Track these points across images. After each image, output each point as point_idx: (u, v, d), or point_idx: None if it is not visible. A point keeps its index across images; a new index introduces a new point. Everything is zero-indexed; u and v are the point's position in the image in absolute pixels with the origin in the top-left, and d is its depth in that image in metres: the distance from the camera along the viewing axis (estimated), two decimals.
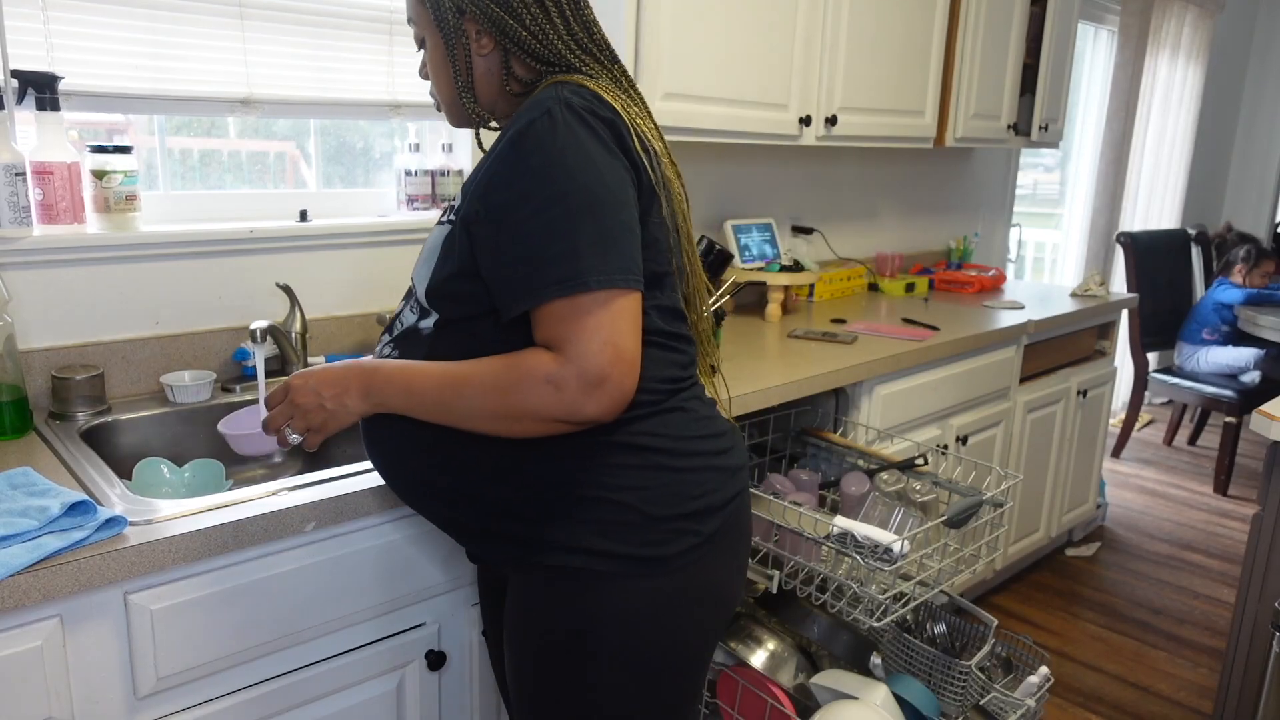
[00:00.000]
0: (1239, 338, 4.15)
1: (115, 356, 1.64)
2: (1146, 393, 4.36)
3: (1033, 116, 3.15)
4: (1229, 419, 4.00)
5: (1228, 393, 4.00)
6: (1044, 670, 1.64)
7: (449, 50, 1.13)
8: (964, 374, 2.47)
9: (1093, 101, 4.56)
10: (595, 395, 0.97)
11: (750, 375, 1.93)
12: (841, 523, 1.50)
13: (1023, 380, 2.78)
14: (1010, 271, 4.17)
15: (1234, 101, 5.57)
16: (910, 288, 3.15)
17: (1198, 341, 4.24)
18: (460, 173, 2.05)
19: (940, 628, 1.69)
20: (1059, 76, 3.24)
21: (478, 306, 1.07)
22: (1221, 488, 4.05)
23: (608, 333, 0.97)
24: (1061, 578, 3.21)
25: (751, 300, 2.72)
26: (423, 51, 1.19)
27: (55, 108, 1.52)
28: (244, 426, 1.44)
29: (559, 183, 0.99)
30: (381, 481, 1.25)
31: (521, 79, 1.13)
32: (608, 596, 1.07)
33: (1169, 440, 4.69)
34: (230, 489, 1.50)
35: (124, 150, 1.60)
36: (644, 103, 1.17)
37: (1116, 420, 4.66)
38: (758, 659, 1.64)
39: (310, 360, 1.81)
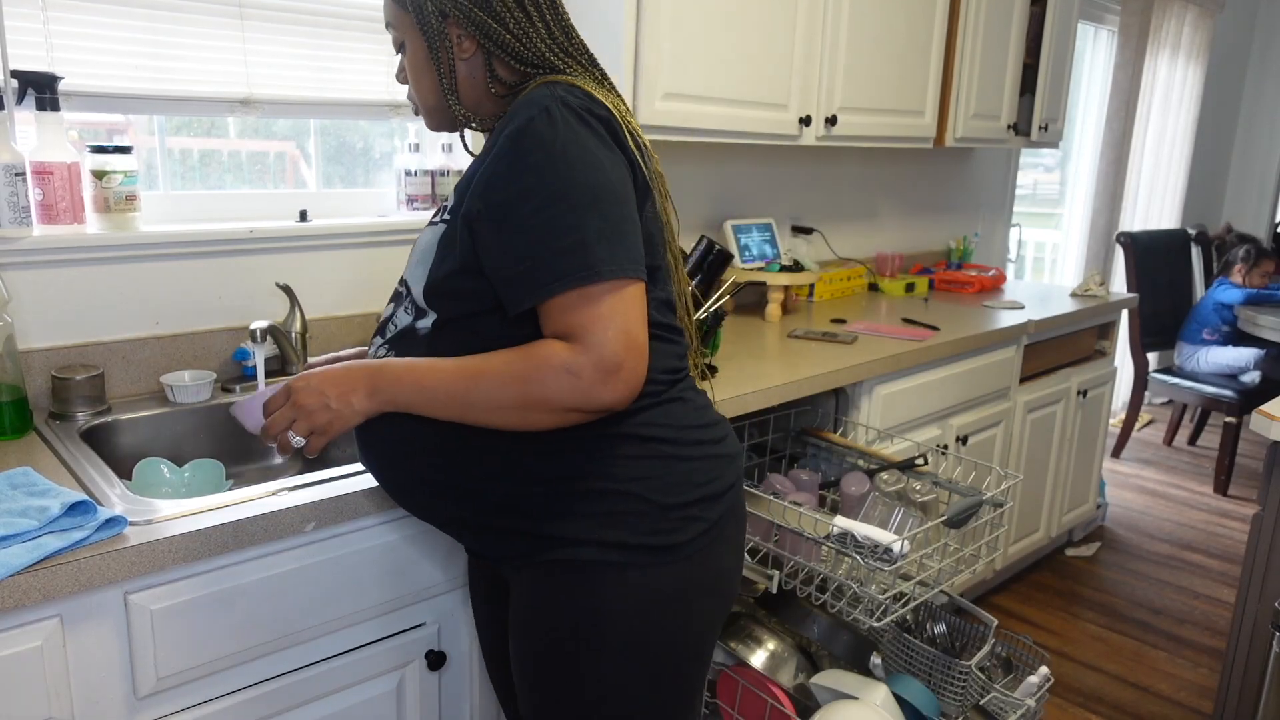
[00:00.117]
0: (1239, 338, 4.15)
1: (115, 356, 1.64)
2: (1146, 393, 4.36)
3: (1033, 116, 3.15)
4: (1229, 419, 4.00)
5: (1228, 393, 4.00)
6: (1044, 670, 1.64)
7: (432, 54, 1.14)
8: (964, 374, 2.47)
9: (1093, 101, 4.56)
10: (611, 383, 0.98)
11: (750, 375, 1.93)
12: (841, 523, 1.50)
13: (1023, 380, 2.78)
14: (1010, 271, 4.17)
15: (1234, 101, 5.57)
16: (910, 288, 3.15)
17: (1198, 341, 4.24)
18: (461, 173, 2.05)
19: (940, 628, 1.69)
20: (1059, 76, 3.24)
21: (479, 304, 1.07)
22: (1221, 488, 4.05)
23: (621, 321, 0.98)
24: (1061, 578, 3.21)
25: (751, 300, 2.72)
26: (401, 55, 1.20)
27: (55, 108, 1.52)
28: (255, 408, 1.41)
29: (562, 179, 1.00)
30: None
31: (505, 81, 1.14)
32: (620, 587, 1.07)
33: (1169, 440, 4.69)
34: (230, 489, 1.50)
35: (124, 150, 1.60)
36: (626, 104, 1.19)
37: (1116, 420, 4.66)
38: (758, 659, 1.64)
39: (310, 360, 1.81)
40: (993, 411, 2.64)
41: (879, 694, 1.52)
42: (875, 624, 1.51)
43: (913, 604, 1.58)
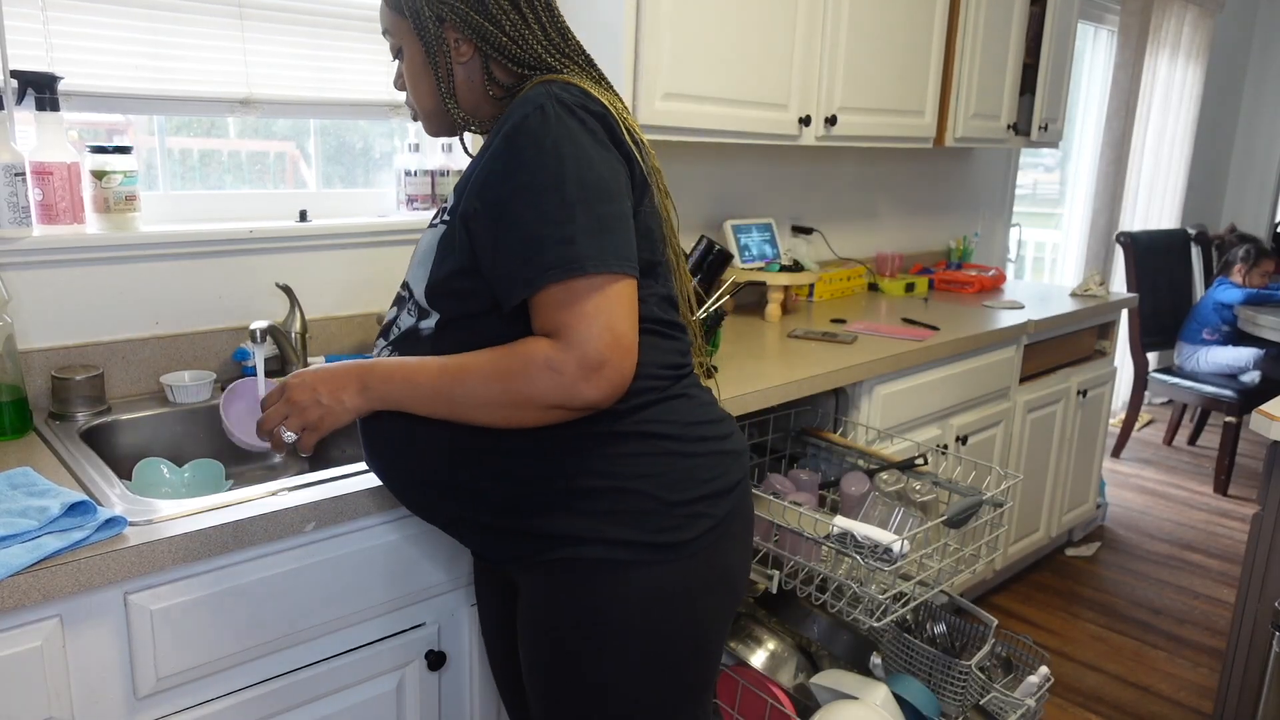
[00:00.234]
0: (1239, 338, 4.15)
1: (115, 356, 1.64)
2: (1146, 393, 4.36)
3: (1032, 116, 3.15)
4: (1229, 419, 4.00)
5: (1228, 393, 4.00)
6: (1044, 670, 1.64)
7: (430, 58, 1.14)
8: (964, 374, 2.47)
9: (1093, 101, 4.56)
10: (594, 379, 0.98)
11: (750, 375, 1.93)
12: (841, 523, 1.50)
13: (1023, 380, 2.78)
14: (1010, 271, 4.17)
15: (1234, 101, 5.57)
16: (910, 288, 3.15)
17: (1198, 341, 4.24)
18: (460, 173, 2.05)
19: (940, 628, 1.69)
20: (1059, 76, 3.24)
21: (480, 304, 1.07)
22: (1221, 488, 4.05)
23: (606, 318, 0.98)
24: (1061, 578, 3.21)
25: (751, 300, 2.72)
26: (398, 62, 1.20)
27: (55, 108, 1.52)
28: (244, 413, 1.41)
29: (553, 173, 1.00)
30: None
31: (502, 83, 1.15)
32: (626, 585, 1.07)
33: (1169, 440, 4.69)
34: (230, 489, 1.50)
35: (124, 150, 1.60)
36: (623, 102, 1.19)
37: (1116, 420, 4.66)
38: (758, 659, 1.64)
39: (310, 360, 1.81)
40: (992, 411, 2.64)
41: (879, 694, 1.52)
42: (875, 624, 1.51)
43: (913, 604, 1.58)
